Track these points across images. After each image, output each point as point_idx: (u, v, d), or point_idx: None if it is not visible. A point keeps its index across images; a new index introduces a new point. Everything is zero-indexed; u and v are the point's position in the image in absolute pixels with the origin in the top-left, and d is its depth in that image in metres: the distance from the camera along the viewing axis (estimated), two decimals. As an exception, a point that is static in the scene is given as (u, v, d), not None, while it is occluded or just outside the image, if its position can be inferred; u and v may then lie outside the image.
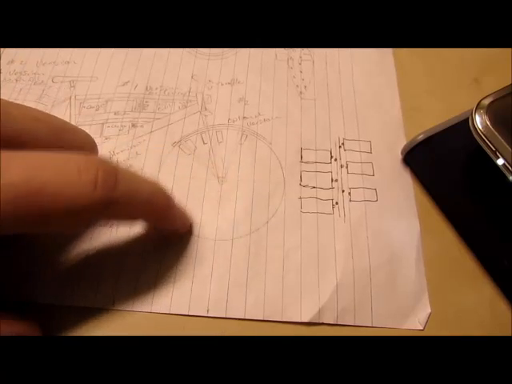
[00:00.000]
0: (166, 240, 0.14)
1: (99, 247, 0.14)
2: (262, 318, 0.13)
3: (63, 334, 0.13)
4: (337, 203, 0.15)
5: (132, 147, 0.16)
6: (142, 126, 0.17)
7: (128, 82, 0.18)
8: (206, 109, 0.17)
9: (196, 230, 0.15)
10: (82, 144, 0.13)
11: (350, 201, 0.15)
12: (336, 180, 0.16)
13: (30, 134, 0.11)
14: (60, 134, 0.12)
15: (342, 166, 0.16)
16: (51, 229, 0.11)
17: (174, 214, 0.13)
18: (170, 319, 0.13)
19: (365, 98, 0.18)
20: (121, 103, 0.17)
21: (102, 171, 0.10)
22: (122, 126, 0.17)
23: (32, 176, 0.09)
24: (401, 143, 0.16)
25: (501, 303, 0.14)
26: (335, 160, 0.16)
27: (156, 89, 0.18)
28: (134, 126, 0.17)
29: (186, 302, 0.13)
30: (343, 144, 0.17)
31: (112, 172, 0.10)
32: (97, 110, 0.17)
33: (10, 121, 0.11)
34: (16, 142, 0.10)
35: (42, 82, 0.18)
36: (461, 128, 0.14)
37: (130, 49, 0.19)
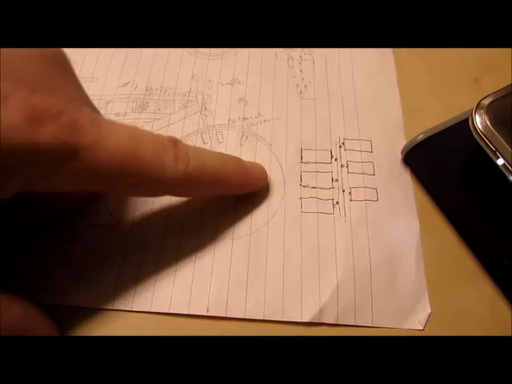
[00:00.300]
0: (166, 239, 0.14)
1: (99, 247, 0.14)
2: (262, 318, 0.13)
3: (63, 334, 0.13)
4: (337, 203, 0.15)
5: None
6: (142, 127, 0.17)
7: (128, 82, 0.18)
8: (206, 109, 0.17)
9: (196, 230, 0.15)
10: None
11: (351, 200, 0.15)
12: (336, 180, 0.16)
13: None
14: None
15: (342, 166, 0.16)
16: (135, 194, 0.13)
17: (248, 177, 0.14)
18: (170, 319, 0.13)
19: (365, 97, 0.18)
20: (121, 104, 0.17)
21: (178, 149, 0.12)
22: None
23: (135, 144, 0.11)
24: (401, 143, 0.16)
25: (501, 303, 0.14)
26: (335, 160, 0.16)
27: (156, 89, 0.18)
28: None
29: (185, 302, 0.13)
30: (343, 144, 0.17)
31: (185, 149, 0.12)
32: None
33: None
34: None
35: (43, 82, 0.18)
36: (461, 128, 0.14)
37: (130, 49, 0.19)
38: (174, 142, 0.12)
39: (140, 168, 0.11)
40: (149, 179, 0.11)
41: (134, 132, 0.11)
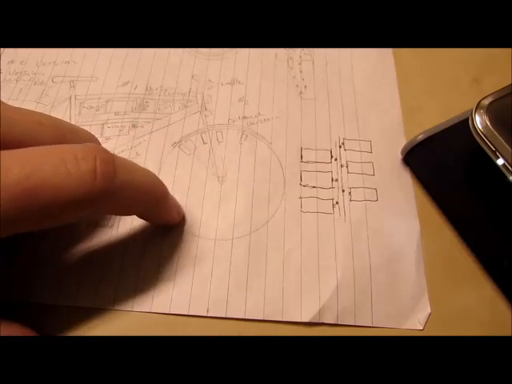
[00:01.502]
0: (166, 239, 0.14)
1: (99, 247, 0.14)
2: (262, 318, 0.13)
3: (63, 334, 0.13)
4: (337, 203, 0.15)
5: (132, 148, 0.16)
6: (142, 127, 0.17)
7: (128, 82, 0.18)
8: (206, 109, 0.17)
9: (196, 230, 0.15)
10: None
11: (351, 200, 0.15)
12: (336, 180, 0.16)
13: (34, 138, 0.11)
14: (64, 137, 0.12)
15: (342, 166, 0.16)
16: (53, 223, 0.11)
17: (169, 204, 0.13)
18: (170, 319, 0.13)
19: (365, 97, 0.18)
20: (121, 103, 0.17)
21: (100, 160, 0.10)
22: (122, 126, 0.17)
23: (31, 172, 0.09)
24: (401, 143, 0.16)
25: (501, 303, 0.14)
26: (335, 160, 0.16)
27: (156, 89, 0.18)
28: (134, 126, 0.17)
29: (185, 302, 0.13)
30: (343, 144, 0.17)
31: (110, 161, 0.10)
32: (97, 111, 0.17)
33: (12, 125, 0.11)
34: (19, 146, 0.10)
35: (42, 82, 0.18)
36: (461, 128, 0.14)
37: (130, 49, 0.19)
38: (94, 153, 0.10)
39: (42, 197, 0.09)
40: (57, 205, 0.09)
41: (33, 156, 0.09)
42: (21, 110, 0.11)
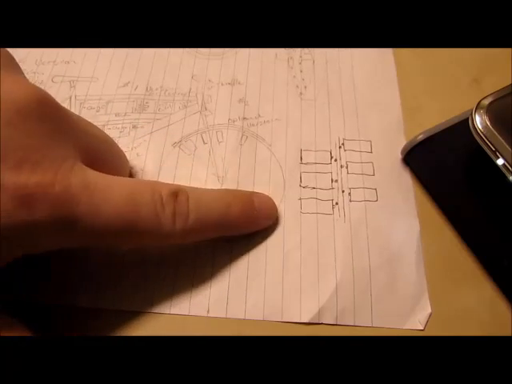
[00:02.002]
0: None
1: (100, 248, 0.14)
2: (261, 319, 0.13)
3: (63, 335, 0.13)
4: (337, 203, 0.15)
5: (133, 148, 0.16)
6: (142, 127, 0.17)
7: (128, 82, 0.18)
8: (206, 109, 0.17)
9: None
10: (119, 155, 0.14)
11: (350, 201, 0.15)
12: (336, 180, 0.16)
13: (95, 152, 0.12)
14: (110, 149, 0.13)
15: (342, 167, 0.16)
16: (134, 246, 0.13)
17: (251, 218, 0.13)
18: (170, 319, 0.13)
19: (365, 97, 0.18)
20: (121, 104, 0.17)
21: (177, 203, 0.11)
22: (122, 127, 0.17)
23: (132, 207, 0.10)
24: (401, 143, 0.16)
25: (501, 303, 0.14)
26: (335, 160, 0.16)
27: (156, 89, 0.18)
28: (134, 127, 0.17)
29: (186, 303, 0.13)
30: (343, 144, 0.17)
31: (185, 202, 0.11)
32: (97, 112, 0.17)
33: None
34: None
35: (42, 81, 0.18)
36: (461, 128, 0.14)
37: (130, 49, 0.19)
38: (175, 195, 0.11)
39: (137, 230, 0.11)
40: (146, 238, 0.11)
41: (132, 190, 0.11)
42: (87, 123, 0.13)
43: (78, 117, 0.12)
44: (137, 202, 0.11)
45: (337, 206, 0.15)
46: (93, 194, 0.10)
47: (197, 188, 0.13)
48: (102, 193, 0.10)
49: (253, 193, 0.14)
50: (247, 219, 0.13)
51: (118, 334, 0.13)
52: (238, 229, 0.13)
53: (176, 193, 0.11)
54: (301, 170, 0.16)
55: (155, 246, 0.14)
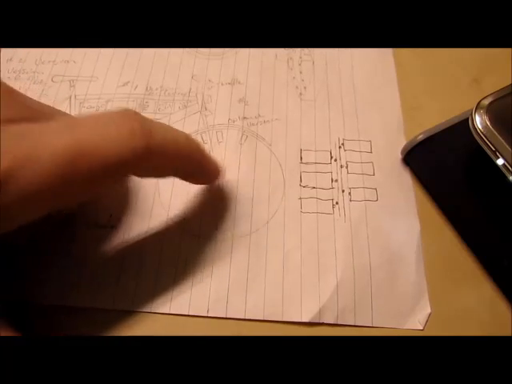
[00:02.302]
0: (166, 240, 0.14)
1: (99, 248, 0.14)
2: (262, 318, 0.13)
3: (62, 334, 0.13)
4: (337, 203, 0.15)
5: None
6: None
7: (128, 82, 0.18)
8: (206, 109, 0.17)
9: (196, 230, 0.15)
10: None
11: (351, 201, 0.15)
12: (336, 180, 0.16)
13: None
14: None
15: (342, 166, 0.16)
16: (95, 190, 0.11)
17: (208, 162, 0.13)
18: (170, 319, 0.13)
19: (365, 97, 0.18)
20: (121, 104, 0.17)
21: (136, 122, 0.10)
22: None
23: (80, 141, 0.09)
24: (401, 143, 0.16)
25: (501, 303, 0.14)
26: (335, 160, 0.16)
27: (156, 89, 0.18)
28: (134, 126, 0.17)
29: (186, 303, 0.13)
30: (343, 144, 0.17)
31: (146, 122, 0.11)
32: (97, 111, 0.17)
33: None
34: None
35: (42, 81, 0.18)
36: (461, 128, 0.14)
37: (130, 49, 0.19)
38: (130, 118, 0.10)
39: (90, 163, 0.10)
40: (104, 169, 0.10)
41: (76, 131, 0.10)
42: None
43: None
44: (85, 140, 0.10)
45: (337, 205, 0.15)
46: (23, 146, 0.09)
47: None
48: (38, 142, 0.09)
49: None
50: (202, 159, 0.13)
51: (117, 334, 0.13)
52: (196, 167, 0.13)
53: (135, 117, 0.11)
54: (301, 169, 0.16)
55: (121, 173, 0.11)
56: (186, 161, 0.12)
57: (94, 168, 0.10)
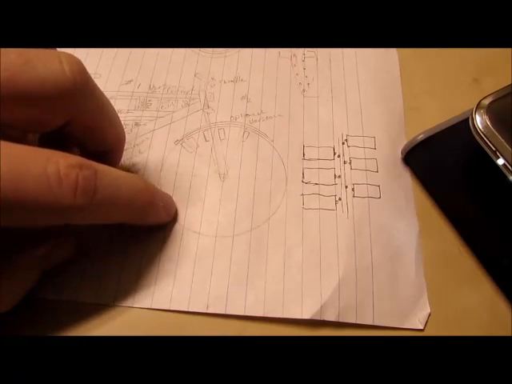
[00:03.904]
0: (167, 236, 0.14)
1: (101, 245, 0.14)
2: (262, 315, 0.13)
3: (62, 333, 0.13)
4: (340, 199, 0.15)
5: (135, 146, 0.16)
6: (144, 125, 0.17)
7: (131, 80, 0.18)
8: (208, 106, 0.17)
9: (197, 227, 0.15)
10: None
11: (354, 197, 0.15)
12: (339, 176, 0.16)
13: None
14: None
15: (345, 162, 0.16)
16: (29, 225, 0.11)
17: (156, 208, 0.13)
18: (170, 316, 0.13)
19: (369, 93, 0.18)
20: (124, 101, 0.17)
21: (82, 178, 0.10)
22: (125, 124, 0.17)
23: (14, 178, 0.09)
24: (402, 142, 0.16)
25: (501, 303, 0.14)
26: (338, 156, 0.16)
27: (159, 87, 0.18)
28: (137, 124, 0.17)
29: (185, 299, 0.13)
30: (346, 140, 0.17)
31: (92, 179, 0.10)
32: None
33: None
34: None
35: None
36: (461, 128, 0.14)
37: (133, 49, 0.19)
38: (77, 168, 0.10)
39: (26, 206, 0.09)
40: (41, 215, 0.10)
41: (12, 167, 0.09)
42: None
43: None
44: (22, 174, 0.09)
45: (340, 201, 0.15)
46: None
47: (105, 166, 0.11)
48: None
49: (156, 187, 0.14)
50: (152, 209, 0.13)
51: (118, 331, 0.13)
52: (142, 217, 0.13)
53: (80, 165, 0.10)
54: (303, 165, 0.16)
55: (57, 222, 0.11)
56: (132, 213, 0.12)
57: (24, 208, 0.09)
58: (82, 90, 0.11)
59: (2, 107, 0.10)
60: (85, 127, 0.12)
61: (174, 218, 0.15)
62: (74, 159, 0.10)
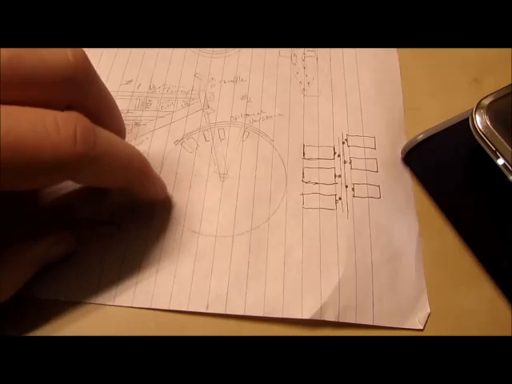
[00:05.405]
0: (167, 236, 0.14)
1: (100, 245, 0.14)
2: (262, 315, 0.13)
3: (62, 332, 0.13)
4: (340, 198, 0.15)
5: (135, 146, 0.16)
6: (144, 125, 0.17)
7: (131, 80, 0.18)
8: (208, 106, 0.17)
9: (197, 227, 0.15)
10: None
11: (354, 196, 0.15)
12: (339, 175, 0.16)
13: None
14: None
15: (345, 162, 0.16)
16: (31, 185, 0.11)
17: (152, 179, 0.13)
18: (170, 317, 0.13)
19: (369, 93, 0.18)
20: (124, 101, 0.17)
21: (80, 127, 0.10)
22: (125, 124, 0.17)
23: (10, 127, 0.09)
24: (402, 142, 0.16)
25: (501, 303, 0.14)
26: (338, 156, 0.16)
27: (159, 87, 0.18)
28: (137, 124, 0.17)
29: (185, 298, 0.13)
30: (346, 140, 0.17)
31: (91, 129, 0.10)
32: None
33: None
34: None
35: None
36: (461, 128, 0.14)
37: (133, 49, 0.19)
38: (74, 121, 0.10)
39: (21, 153, 0.09)
40: (36, 164, 0.09)
41: (14, 113, 0.09)
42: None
43: None
44: (19, 126, 0.09)
45: (340, 201, 0.15)
46: None
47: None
48: None
49: None
50: (149, 178, 0.13)
51: (118, 331, 0.13)
52: (141, 183, 0.13)
53: (77, 117, 0.10)
54: (303, 165, 0.16)
55: (59, 179, 0.11)
56: (129, 175, 0.12)
57: (23, 162, 0.09)
58: (84, 75, 0.11)
59: (3, 88, 0.10)
60: (85, 115, 0.12)
61: (174, 218, 0.15)
62: (71, 113, 0.10)
